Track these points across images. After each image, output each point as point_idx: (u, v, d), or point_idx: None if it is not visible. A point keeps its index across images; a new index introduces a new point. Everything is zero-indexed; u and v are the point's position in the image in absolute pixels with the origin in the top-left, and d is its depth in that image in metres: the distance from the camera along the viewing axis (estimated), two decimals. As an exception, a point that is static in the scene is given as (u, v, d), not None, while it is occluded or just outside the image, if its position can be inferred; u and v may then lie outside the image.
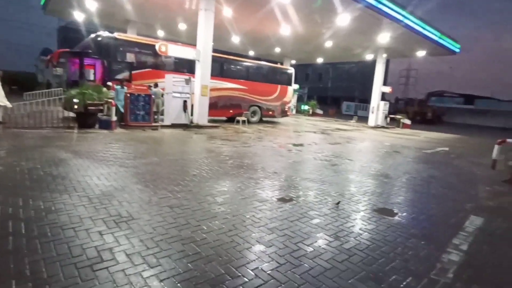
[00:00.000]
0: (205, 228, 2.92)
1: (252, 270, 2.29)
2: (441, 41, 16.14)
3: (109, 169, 4.71)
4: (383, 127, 19.14)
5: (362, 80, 42.15)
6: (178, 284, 2.04)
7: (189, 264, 2.28)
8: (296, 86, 21.14)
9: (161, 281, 2.06)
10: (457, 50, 17.87)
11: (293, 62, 24.99)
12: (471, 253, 2.87)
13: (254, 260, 2.43)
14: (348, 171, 6.10)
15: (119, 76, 10.46)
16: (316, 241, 2.85)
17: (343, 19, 12.20)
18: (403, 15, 13.05)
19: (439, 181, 5.87)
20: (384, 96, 20.57)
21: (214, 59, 11.82)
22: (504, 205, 4.53)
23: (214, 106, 12.63)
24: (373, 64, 20.11)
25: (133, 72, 10.83)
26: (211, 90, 11.83)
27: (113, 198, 3.51)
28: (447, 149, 11.05)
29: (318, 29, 15.08)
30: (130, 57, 11.10)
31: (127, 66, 10.88)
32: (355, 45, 18.19)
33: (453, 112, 35.75)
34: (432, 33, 15.31)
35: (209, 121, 11.88)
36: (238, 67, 14.68)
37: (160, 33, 18.41)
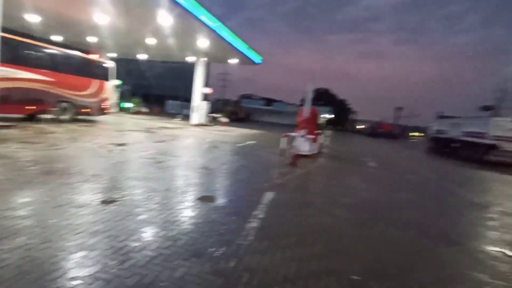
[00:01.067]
0: (6, 248, 2.47)
1: (72, 278, 2.20)
2: (247, 52, 19.28)
3: None
4: (205, 125, 20.86)
5: (186, 80, 43.79)
6: (-29, 317, 1.71)
7: (-16, 292, 1.93)
8: (117, 82, 19.48)
9: None
10: (260, 61, 21.90)
11: (114, 55, 22.92)
12: (265, 219, 3.84)
13: (75, 268, 2.33)
14: (174, 166, 6.46)
15: None
16: (142, 235, 3.00)
17: (164, 19, 12.44)
18: (218, 26, 14.70)
19: (246, 168, 7.23)
20: (207, 96, 22.37)
21: (3, 41, 9.19)
22: (286, 182, 6.18)
23: (6, 100, 9.85)
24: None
25: None
26: (0, 80, 9.19)
27: None
28: (254, 142, 13.49)
29: (138, 24, 14.58)
30: None
31: None
32: (177, 46, 18.79)
33: (258, 112, 43.91)
34: (242, 45, 18.05)
35: (-2, 119, 9.22)
36: (41, 54, 11.88)
37: None
